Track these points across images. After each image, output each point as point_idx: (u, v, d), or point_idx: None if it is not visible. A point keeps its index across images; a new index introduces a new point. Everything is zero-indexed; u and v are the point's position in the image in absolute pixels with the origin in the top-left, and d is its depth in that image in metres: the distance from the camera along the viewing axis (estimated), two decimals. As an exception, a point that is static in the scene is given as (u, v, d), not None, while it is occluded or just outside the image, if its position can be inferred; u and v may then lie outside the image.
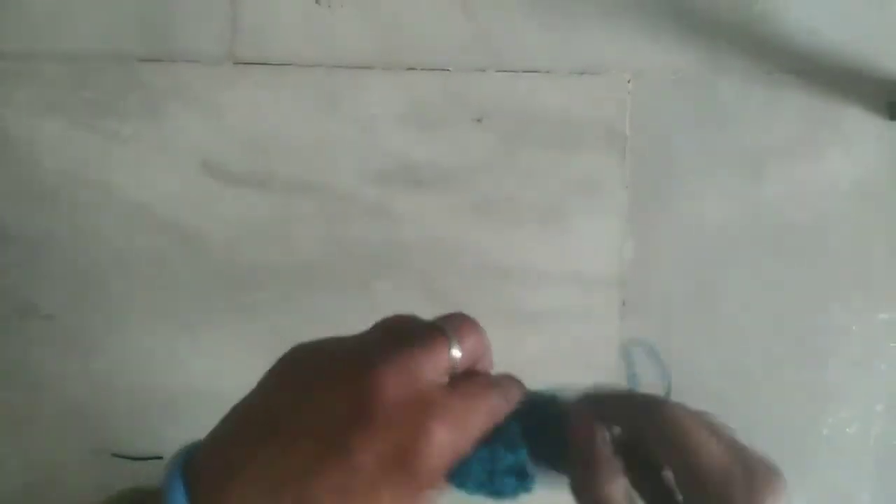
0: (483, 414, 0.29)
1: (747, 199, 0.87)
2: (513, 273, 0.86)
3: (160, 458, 0.84)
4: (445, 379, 0.29)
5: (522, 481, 0.30)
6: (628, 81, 0.88)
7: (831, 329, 0.86)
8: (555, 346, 0.86)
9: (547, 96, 0.88)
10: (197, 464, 0.27)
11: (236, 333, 0.86)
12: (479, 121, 0.88)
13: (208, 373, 0.86)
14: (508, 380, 0.32)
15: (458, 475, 0.29)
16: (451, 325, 0.30)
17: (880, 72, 0.87)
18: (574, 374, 0.86)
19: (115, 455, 0.84)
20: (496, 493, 0.30)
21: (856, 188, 0.87)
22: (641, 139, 0.87)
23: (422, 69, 0.88)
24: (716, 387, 0.86)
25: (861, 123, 0.87)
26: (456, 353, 0.29)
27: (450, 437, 0.27)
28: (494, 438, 0.30)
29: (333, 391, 0.27)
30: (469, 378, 0.30)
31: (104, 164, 0.87)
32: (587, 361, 0.86)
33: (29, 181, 0.87)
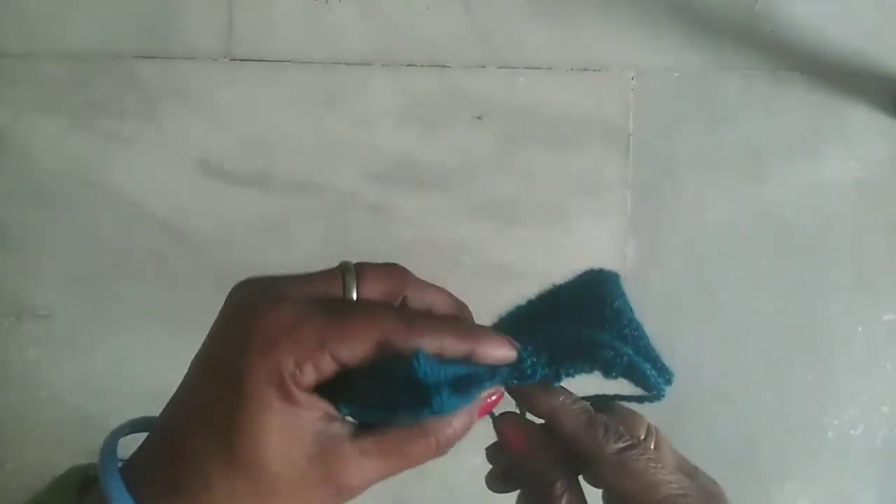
0: (348, 328, 0.25)
1: (750, 198, 0.86)
2: (513, 273, 0.85)
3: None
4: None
5: (417, 408, 0.25)
6: (631, 79, 0.87)
7: (836, 330, 0.85)
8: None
9: (548, 93, 0.87)
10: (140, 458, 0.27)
11: (235, 333, 0.85)
12: (479, 118, 0.87)
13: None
14: (436, 318, 0.28)
15: (345, 398, 0.26)
16: (362, 270, 0.27)
17: (885, 69, 0.86)
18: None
19: (112, 456, 0.84)
20: (388, 415, 0.26)
21: (860, 187, 0.86)
22: (644, 137, 0.87)
23: (421, 65, 0.88)
24: (718, 388, 0.85)
25: (865, 121, 0.86)
26: (351, 295, 0.27)
27: (284, 338, 0.24)
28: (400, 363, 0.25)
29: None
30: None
31: (103, 163, 0.87)
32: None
33: (28, 181, 0.87)
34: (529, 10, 0.88)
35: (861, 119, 0.86)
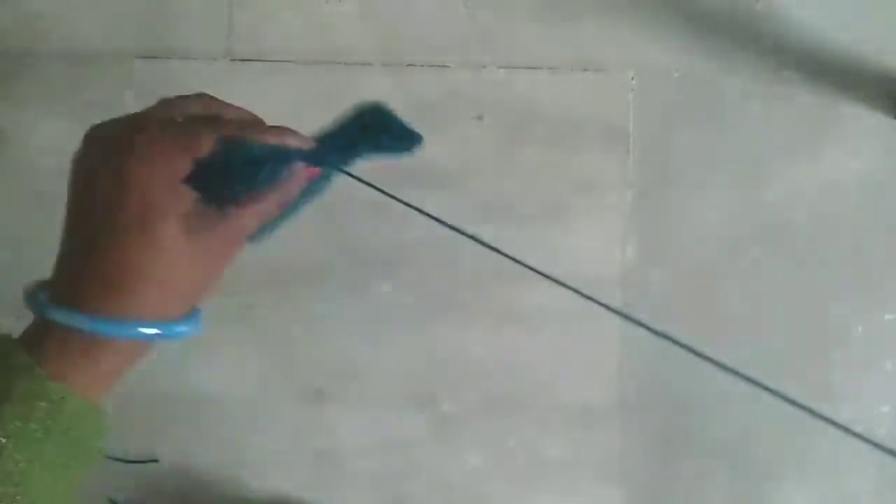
0: (184, 137, 0.34)
1: (750, 198, 0.86)
2: (512, 273, 0.85)
3: (156, 461, 0.84)
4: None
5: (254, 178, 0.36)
6: (631, 79, 0.87)
7: (836, 329, 0.85)
8: (555, 346, 0.85)
9: (548, 93, 0.87)
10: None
11: (235, 333, 0.85)
12: (479, 118, 0.87)
13: (206, 373, 0.85)
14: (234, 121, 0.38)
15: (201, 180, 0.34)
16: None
17: (884, 70, 0.86)
18: (574, 375, 0.86)
19: (109, 458, 0.83)
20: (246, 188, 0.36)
21: (859, 187, 0.86)
22: (644, 138, 0.87)
23: (421, 65, 0.88)
24: (718, 388, 0.85)
25: (864, 122, 0.86)
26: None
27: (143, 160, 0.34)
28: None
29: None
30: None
31: (103, 163, 0.87)
32: (587, 361, 0.85)
33: (28, 181, 0.87)
34: (529, 10, 0.88)
35: (860, 120, 0.86)
